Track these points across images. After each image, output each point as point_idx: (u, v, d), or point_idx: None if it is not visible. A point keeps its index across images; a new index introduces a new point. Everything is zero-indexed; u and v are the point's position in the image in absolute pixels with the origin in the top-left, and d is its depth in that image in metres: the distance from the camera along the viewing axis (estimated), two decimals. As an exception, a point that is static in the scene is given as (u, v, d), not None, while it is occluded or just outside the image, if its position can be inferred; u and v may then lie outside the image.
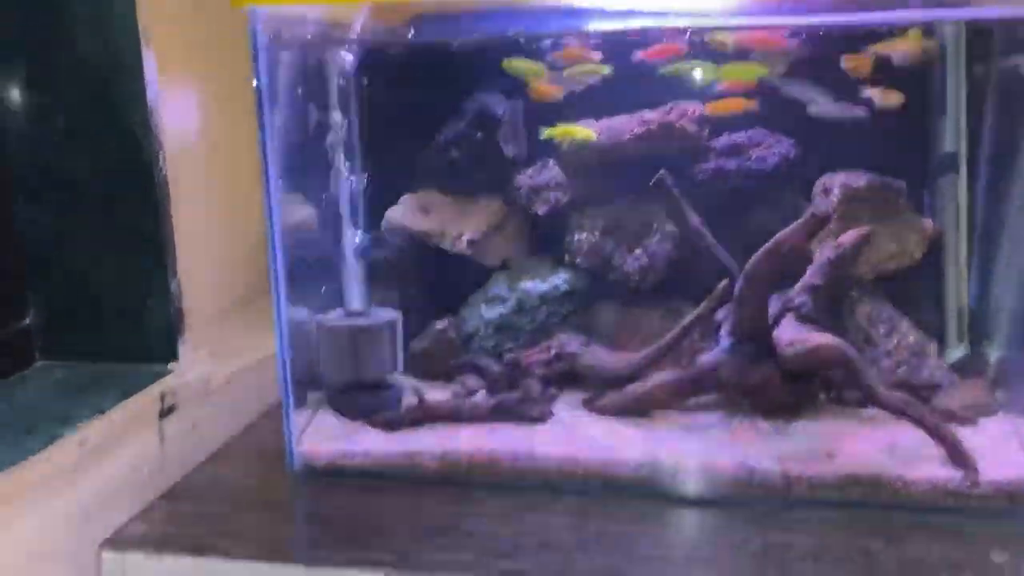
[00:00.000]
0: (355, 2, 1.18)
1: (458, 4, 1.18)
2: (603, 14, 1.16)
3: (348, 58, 1.34)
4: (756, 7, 1.20)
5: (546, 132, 1.38)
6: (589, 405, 1.33)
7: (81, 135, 1.30)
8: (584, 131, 1.38)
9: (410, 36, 1.28)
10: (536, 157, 1.49)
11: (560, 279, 1.45)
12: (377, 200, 1.51)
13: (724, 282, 1.25)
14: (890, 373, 1.30)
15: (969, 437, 1.20)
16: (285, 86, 1.28)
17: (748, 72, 1.29)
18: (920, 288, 1.39)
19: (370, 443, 1.27)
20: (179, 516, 1.18)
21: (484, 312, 1.46)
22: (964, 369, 1.33)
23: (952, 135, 1.34)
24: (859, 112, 1.28)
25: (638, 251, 1.40)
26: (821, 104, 1.29)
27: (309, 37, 1.30)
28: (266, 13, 1.16)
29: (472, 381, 1.39)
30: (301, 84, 1.31)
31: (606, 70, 1.33)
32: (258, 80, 1.17)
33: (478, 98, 1.46)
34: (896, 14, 1.16)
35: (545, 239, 1.51)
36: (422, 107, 1.48)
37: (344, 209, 1.32)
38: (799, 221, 1.15)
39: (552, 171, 1.47)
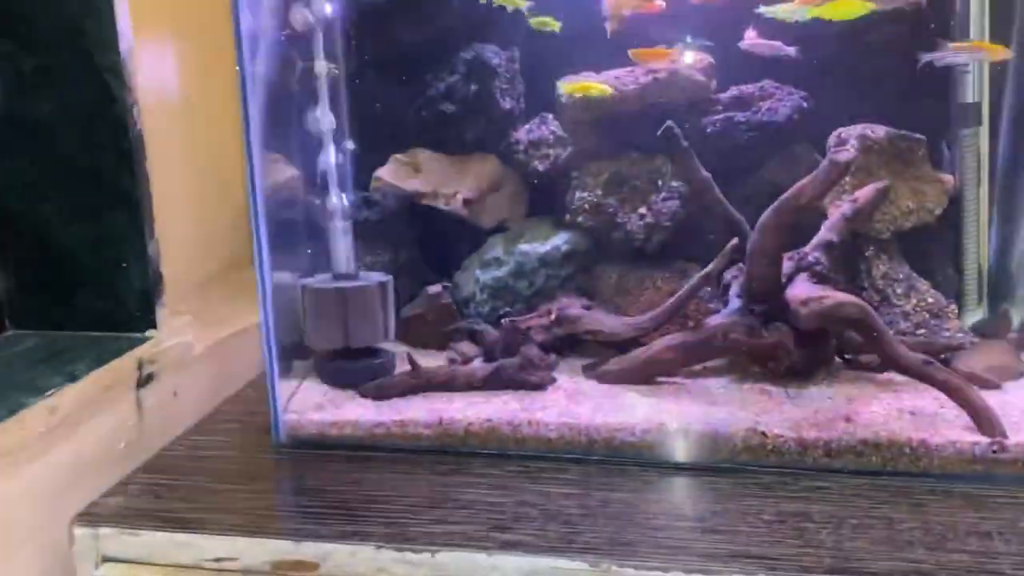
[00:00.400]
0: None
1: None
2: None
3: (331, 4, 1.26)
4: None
5: (564, 88, 1.31)
6: (590, 372, 1.26)
7: (51, 81, 1.22)
8: (600, 86, 1.31)
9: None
10: (534, 111, 1.42)
11: (561, 240, 1.38)
12: (366, 158, 1.43)
13: (734, 240, 1.19)
14: (909, 335, 1.23)
15: (994, 401, 1.14)
16: (267, 35, 1.20)
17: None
18: (939, 246, 1.32)
19: (360, 412, 1.20)
20: (157, 489, 1.11)
21: (480, 276, 1.39)
22: (987, 329, 1.27)
23: (975, 85, 1.27)
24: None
25: (643, 209, 1.32)
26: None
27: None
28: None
29: (468, 348, 1.33)
30: (283, 31, 1.23)
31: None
32: (237, 26, 1.09)
33: (472, 47, 1.38)
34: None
35: (544, 198, 1.44)
36: (413, 57, 1.40)
37: (330, 168, 1.24)
38: (818, 170, 1.08)
39: (551, 126, 1.40)
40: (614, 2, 1.26)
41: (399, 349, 1.37)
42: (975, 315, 1.33)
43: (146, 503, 1.07)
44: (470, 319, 1.35)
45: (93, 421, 1.14)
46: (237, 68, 1.10)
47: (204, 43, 1.43)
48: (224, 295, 1.55)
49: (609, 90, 1.30)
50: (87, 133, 1.23)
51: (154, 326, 1.29)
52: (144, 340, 1.27)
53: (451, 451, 1.16)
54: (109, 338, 1.28)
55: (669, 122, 1.19)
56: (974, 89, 1.27)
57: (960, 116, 1.29)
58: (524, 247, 1.38)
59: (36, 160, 1.24)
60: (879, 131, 1.27)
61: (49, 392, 1.07)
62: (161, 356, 1.28)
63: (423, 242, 1.45)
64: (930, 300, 1.25)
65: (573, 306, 1.30)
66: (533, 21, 1.29)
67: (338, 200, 1.26)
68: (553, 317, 1.29)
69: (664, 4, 1.25)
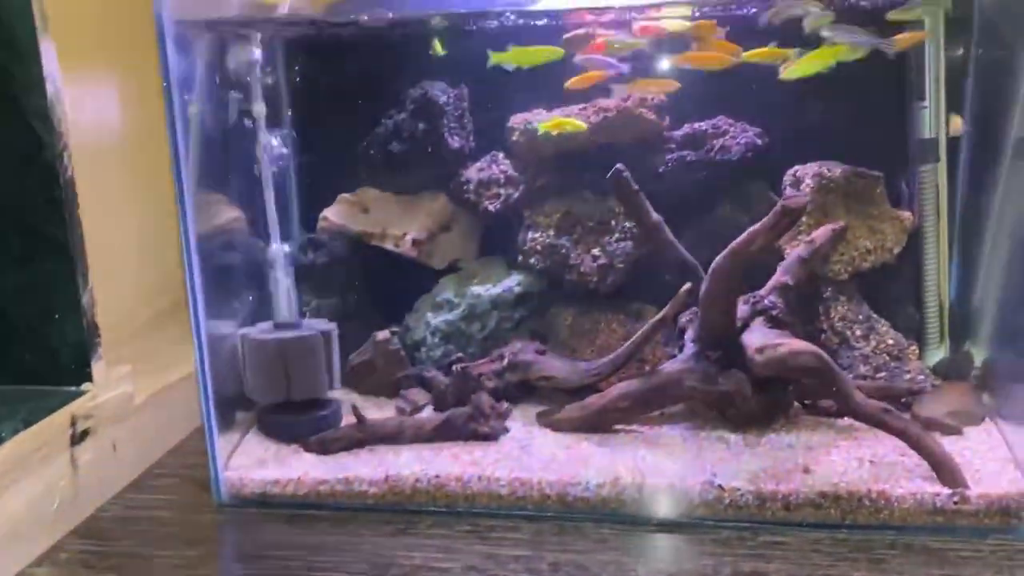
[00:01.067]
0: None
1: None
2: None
3: (274, 44, 1.22)
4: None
5: (541, 127, 1.27)
6: (544, 419, 1.22)
7: (-25, 131, 1.17)
8: (575, 122, 1.27)
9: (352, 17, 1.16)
10: (484, 150, 1.38)
11: (513, 282, 1.34)
12: (312, 199, 1.39)
13: (687, 284, 1.15)
14: (869, 379, 1.20)
15: (955, 447, 1.12)
16: (203, 76, 1.16)
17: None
18: (899, 285, 1.30)
19: (303, 469, 1.15)
20: (89, 558, 1.05)
21: (431, 319, 1.35)
22: (947, 371, 1.24)
23: (931, 121, 1.25)
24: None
25: (596, 250, 1.29)
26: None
27: (228, 21, 1.17)
28: (173, -8, 1.04)
29: (418, 395, 1.28)
30: (220, 74, 1.18)
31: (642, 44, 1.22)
32: (166, 71, 1.05)
33: (421, 85, 1.34)
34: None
35: (496, 238, 1.40)
36: (360, 96, 1.36)
37: (269, 210, 1.20)
38: (769, 216, 1.05)
39: (502, 165, 1.36)
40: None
41: (348, 397, 1.33)
42: (937, 353, 1.30)
43: (76, 573, 1.02)
44: (419, 366, 1.31)
45: (23, 483, 1.08)
46: (166, 112, 1.07)
47: (143, 80, 1.38)
48: (173, 335, 1.50)
49: (584, 125, 1.27)
50: (15, 180, 1.17)
51: (90, 379, 1.23)
52: (79, 394, 1.22)
53: (399, 509, 1.11)
54: (42, 393, 1.22)
55: (618, 165, 1.15)
56: (931, 125, 1.24)
57: (918, 152, 1.26)
58: (476, 289, 1.34)
59: (-36, 210, 1.18)
60: (835, 169, 1.25)
61: (-28, 459, 1.02)
62: (98, 410, 1.22)
63: (373, 284, 1.41)
64: (890, 342, 1.23)
65: (526, 351, 1.26)
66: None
67: (279, 247, 1.21)
68: (505, 363, 1.25)
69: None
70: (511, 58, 1.20)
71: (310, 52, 1.33)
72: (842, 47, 1.12)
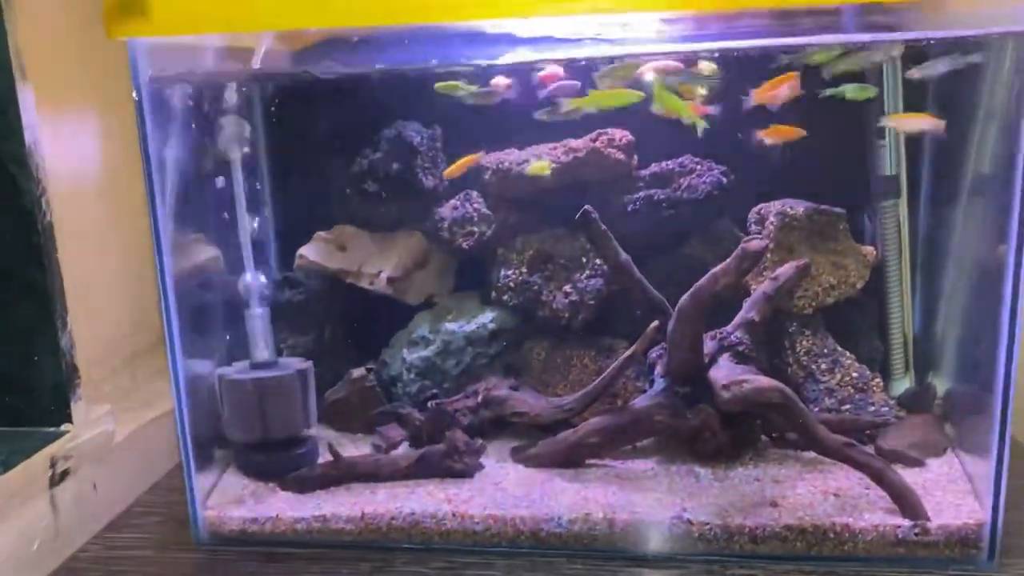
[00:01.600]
0: (227, 31, 1.08)
1: (357, 30, 1.08)
2: (515, 41, 1.08)
3: (250, 88, 1.24)
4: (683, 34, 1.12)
5: (528, 171, 1.30)
6: (518, 455, 1.24)
7: (-47, 178, 1.18)
8: (540, 164, 1.30)
9: (324, 64, 1.18)
10: (458, 188, 1.41)
11: (487, 318, 1.36)
12: (289, 237, 1.41)
13: (655, 322, 1.18)
14: (834, 411, 1.23)
15: (918, 479, 1.14)
16: (179, 120, 1.18)
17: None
18: (863, 318, 1.33)
19: (281, 506, 1.17)
20: (68, 599, 1.07)
21: (407, 355, 1.37)
22: (912, 402, 1.27)
23: (892, 158, 1.28)
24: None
25: (567, 287, 1.31)
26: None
27: (204, 67, 1.19)
28: (148, 44, 1.06)
29: (394, 432, 1.30)
30: (197, 118, 1.20)
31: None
32: (141, 118, 1.07)
33: (395, 125, 1.36)
34: (830, 37, 1.09)
35: (471, 274, 1.42)
36: (335, 136, 1.38)
37: (245, 251, 1.22)
38: (731, 257, 1.08)
39: (475, 203, 1.39)
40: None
41: (325, 434, 1.34)
42: (902, 383, 1.33)
43: (55, 617, 1.04)
44: (395, 403, 1.32)
45: (3, 526, 1.09)
46: (142, 159, 1.09)
47: (121, 122, 1.40)
48: (152, 372, 1.51)
49: (548, 168, 1.29)
50: (-6, 225, 1.19)
51: (70, 420, 1.25)
52: (59, 435, 1.23)
53: (375, 546, 1.13)
54: (22, 434, 1.23)
55: (587, 206, 1.18)
56: (891, 162, 1.28)
57: (880, 189, 1.30)
58: (450, 326, 1.36)
59: (-62, 259, 1.19)
60: (798, 207, 1.28)
61: (-50, 505, 1.03)
62: (77, 450, 1.23)
63: (350, 320, 1.43)
64: (854, 375, 1.25)
65: (500, 387, 1.28)
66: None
67: (255, 287, 1.23)
68: (480, 399, 1.27)
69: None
70: (590, 102, 1.21)
71: (286, 94, 1.35)
72: None
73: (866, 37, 1.07)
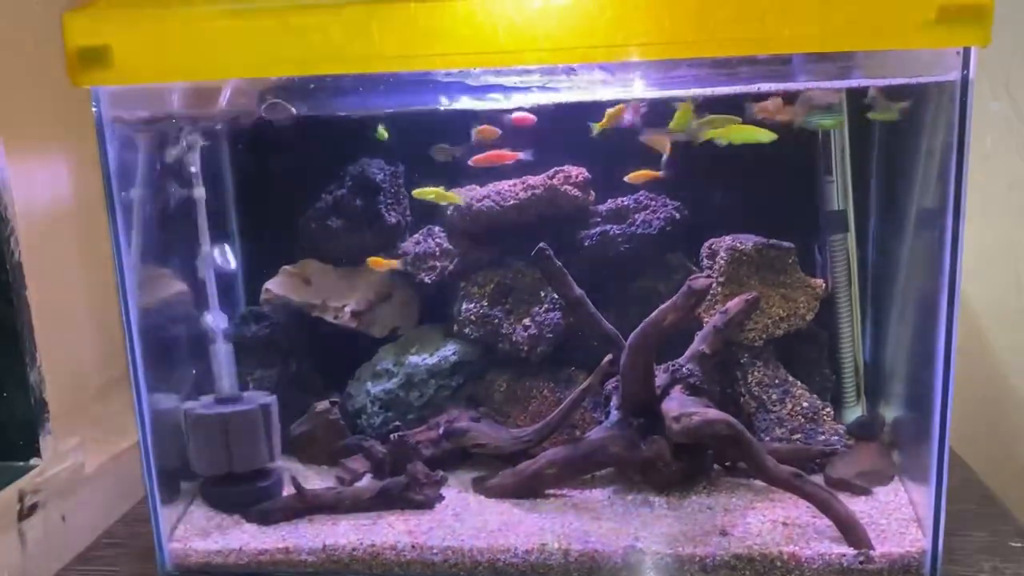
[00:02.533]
0: (188, 80, 1.12)
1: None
2: (467, 89, 1.12)
3: (215, 128, 1.27)
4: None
5: (415, 193, 1.34)
6: (479, 486, 1.27)
7: (-78, 217, 1.21)
8: (452, 195, 1.35)
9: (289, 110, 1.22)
10: (420, 224, 1.44)
11: (449, 351, 1.39)
12: (256, 272, 1.44)
13: (608, 356, 1.21)
14: (785, 441, 1.26)
15: (864, 508, 1.18)
16: (144, 161, 1.21)
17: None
18: (815, 348, 1.36)
19: (245, 538, 1.19)
20: (32, 635, 1.09)
21: (371, 387, 1.40)
22: (860, 431, 1.30)
23: (839, 194, 1.32)
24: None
25: (527, 320, 1.34)
26: None
27: (168, 107, 1.23)
28: (112, 92, 1.09)
29: (357, 464, 1.32)
30: (160, 159, 1.23)
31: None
32: (104, 161, 1.10)
33: (359, 162, 1.40)
34: (778, 84, 1.14)
35: (434, 307, 1.45)
36: (300, 173, 1.41)
37: (210, 287, 1.25)
38: (677, 295, 1.11)
39: (437, 238, 1.42)
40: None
41: (291, 465, 1.37)
42: (855, 411, 1.37)
43: (18, 653, 1.06)
44: (358, 436, 1.35)
45: (-32, 563, 1.12)
46: (106, 200, 1.12)
47: (87, 160, 1.42)
48: (122, 403, 1.52)
49: (460, 199, 1.35)
50: (-38, 269, 1.21)
51: (39, 454, 1.27)
52: (28, 469, 1.25)
53: (337, 577, 1.16)
54: (-10, 468, 1.26)
55: (542, 244, 1.21)
56: (838, 198, 1.32)
57: (828, 223, 1.34)
58: (413, 359, 1.38)
59: (-89, 291, 1.22)
60: (747, 242, 1.31)
61: (-84, 542, 1.05)
62: (46, 484, 1.25)
63: (315, 352, 1.45)
64: (805, 404, 1.29)
65: (461, 418, 1.31)
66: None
67: (219, 324, 1.26)
68: (441, 431, 1.30)
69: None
70: (723, 134, 1.24)
71: (251, 133, 1.38)
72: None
73: (810, 84, 1.11)
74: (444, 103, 1.18)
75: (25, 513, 1.22)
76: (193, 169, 1.23)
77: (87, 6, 1.06)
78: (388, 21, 0.98)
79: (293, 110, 1.19)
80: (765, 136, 1.21)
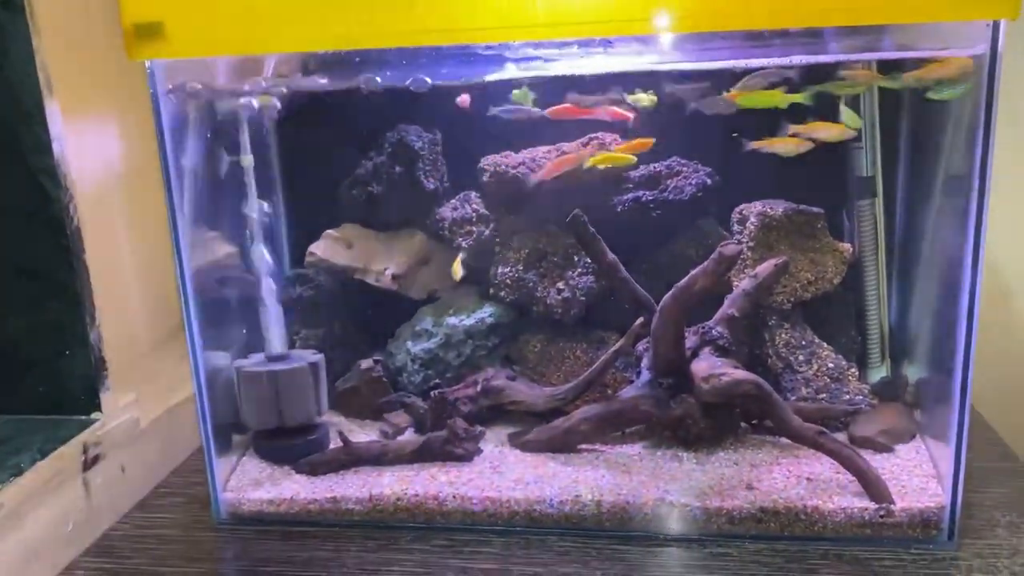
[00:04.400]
0: (238, 53, 1.16)
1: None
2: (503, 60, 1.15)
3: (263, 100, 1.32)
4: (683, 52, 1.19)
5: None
6: (515, 441, 1.33)
7: (-12, 185, 1.28)
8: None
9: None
10: (458, 190, 1.49)
11: (486, 312, 1.44)
12: (302, 234, 1.50)
13: (640, 319, 1.25)
14: (810, 400, 1.31)
15: (886, 464, 1.22)
16: (195, 129, 1.26)
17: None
18: (842, 310, 1.40)
19: (295, 489, 1.26)
20: (103, 574, 1.17)
21: (411, 347, 1.45)
22: (884, 391, 1.35)
23: (868, 160, 1.35)
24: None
25: (560, 284, 1.39)
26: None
27: (217, 84, 1.28)
28: (166, 65, 1.14)
29: (401, 419, 1.39)
30: (212, 127, 1.29)
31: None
32: (160, 133, 1.16)
33: (397, 129, 1.44)
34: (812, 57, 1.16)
35: (471, 270, 1.49)
36: (342, 140, 1.46)
37: (260, 258, 1.31)
38: (708, 261, 1.15)
39: (474, 204, 1.46)
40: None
41: (337, 420, 1.44)
42: (879, 372, 1.41)
43: (90, 590, 1.14)
44: (400, 392, 1.41)
45: (40, 509, 1.20)
46: (161, 166, 1.17)
47: (142, 125, 1.48)
48: (174, 358, 1.60)
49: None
50: (26, 231, 1.27)
51: (99, 408, 1.34)
52: (90, 422, 1.33)
53: (382, 525, 1.23)
54: (56, 422, 1.33)
55: (576, 211, 1.25)
56: (867, 164, 1.34)
57: (857, 189, 1.36)
58: (451, 320, 1.44)
59: (-25, 260, 1.29)
60: (777, 207, 1.34)
61: (-7, 489, 1.13)
62: (107, 437, 1.33)
63: (358, 313, 1.51)
64: (830, 365, 1.33)
65: (498, 377, 1.36)
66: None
67: (268, 286, 1.32)
68: (479, 388, 1.35)
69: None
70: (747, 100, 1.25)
71: (296, 103, 1.42)
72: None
73: (840, 57, 1.13)
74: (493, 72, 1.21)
75: (89, 464, 1.30)
76: (241, 137, 1.28)
77: (141, -18, 1.10)
78: (431, -4, 1.02)
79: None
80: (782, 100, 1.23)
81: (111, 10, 1.10)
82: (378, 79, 1.22)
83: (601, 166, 1.35)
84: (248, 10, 1.06)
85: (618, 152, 1.34)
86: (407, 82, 1.22)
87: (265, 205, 1.32)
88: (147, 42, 1.09)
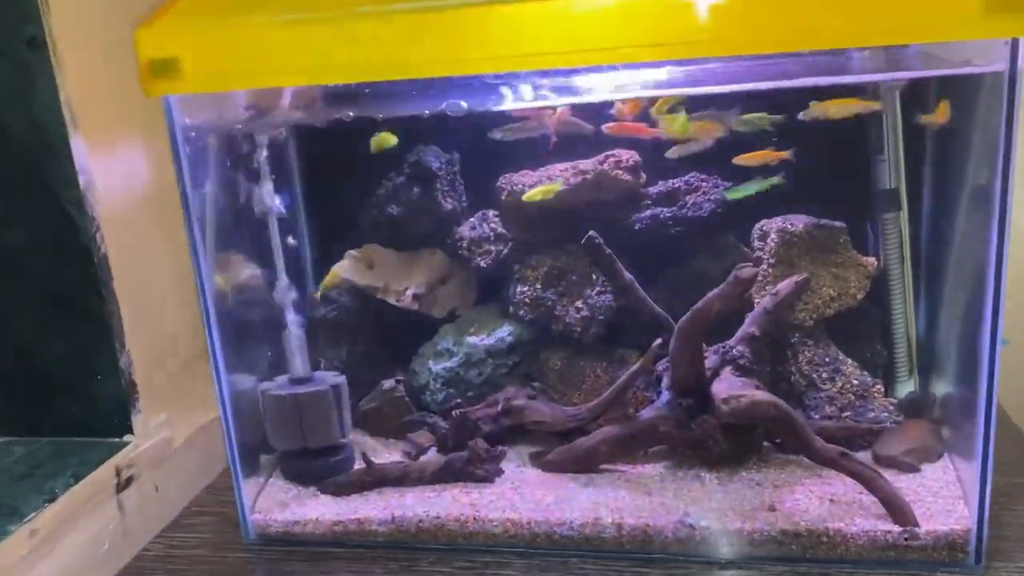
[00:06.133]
0: (253, 87, 1.18)
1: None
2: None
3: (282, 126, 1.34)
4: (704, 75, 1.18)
5: (526, 196, 1.36)
6: (537, 461, 1.34)
7: (18, 218, 1.31)
8: (551, 186, 1.36)
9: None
10: (475, 209, 1.49)
11: (505, 331, 1.45)
12: (325, 256, 1.52)
13: (658, 340, 1.25)
14: (834, 417, 1.29)
15: (911, 484, 1.20)
16: (216, 158, 1.28)
17: None
18: (867, 325, 1.37)
19: (321, 510, 1.28)
20: (133, 596, 1.21)
21: (433, 366, 1.46)
22: (911, 408, 1.32)
23: (892, 173, 1.32)
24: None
25: (579, 303, 1.39)
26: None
27: (235, 114, 1.30)
28: (181, 99, 1.16)
29: (424, 438, 1.40)
30: (231, 156, 1.31)
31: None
32: (178, 164, 1.18)
33: (416, 151, 1.45)
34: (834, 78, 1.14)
35: (491, 288, 1.51)
36: (362, 162, 1.47)
37: (283, 285, 1.33)
38: (724, 284, 1.14)
39: (492, 223, 1.46)
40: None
41: (361, 439, 1.46)
42: (907, 386, 1.38)
43: (122, 613, 1.17)
44: (422, 412, 1.42)
45: (76, 531, 1.23)
46: (180, 196, 1.20)
47: (164, 153, 1.51)
48: (203, 378, 1.61)
49: (557, 185, 1.35)
50: (56, 260, 1.31)
51: (131, 431, 1.38)
52: (122, 445, 1.36)
53: (404, 547, 1.24)
54: (89, 444, 1.37)
55: (591, 232, 1.25)
56: (890, 176, 1.31)
57: (881, 201, 1.34)
58: (471, 339, 1.45)
59: (10, 290, 1.33)
60: (798, 223, 1.32)
61: (29, 516, 1.17)
62: (139, 458, 1.36)
63: (380, 332, 1.53)
64: (855, 382, 1.30)
65: (519, 396, 1.37)
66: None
67: (291, 311, 1.34)
68: (500, 408, 1.36)
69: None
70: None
71: (316, 129, 1.44)
72: None
73: (864, 77, 1.11)
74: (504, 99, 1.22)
75: (122, 485, 1.34)
76: (262, 165, 1.30)
77: (156, 20, 1.12)
78: (438, 28, 1.02)
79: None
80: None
81: (132, 44, 1.12)
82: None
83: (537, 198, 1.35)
84: (260, 43, 1.07)
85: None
86: (442, 106, 1.23)
87: (289, 238, 1.35)
88: (162, 78, 1.11)
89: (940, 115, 1.20)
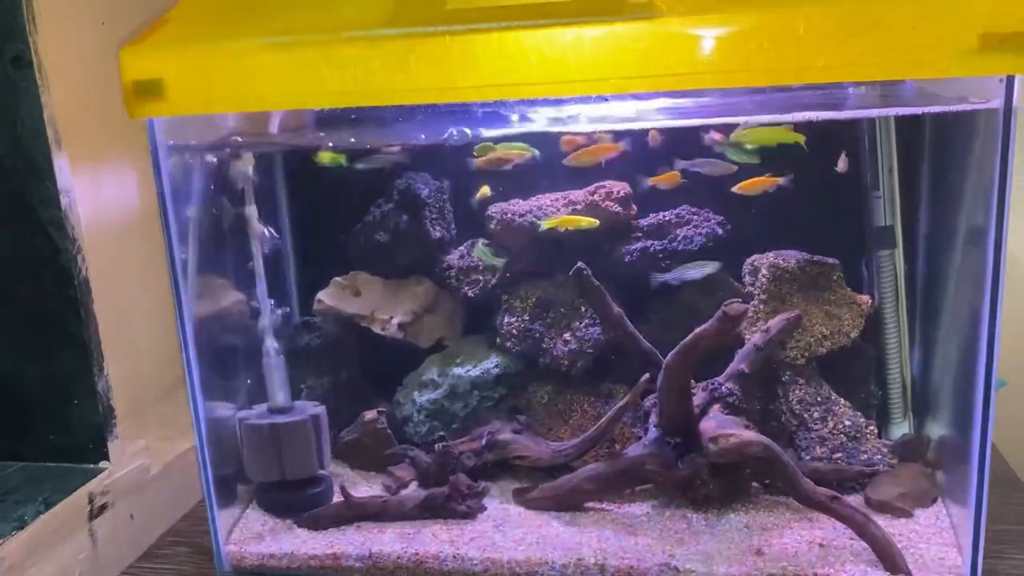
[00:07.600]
0: (237, 111, 1.16)
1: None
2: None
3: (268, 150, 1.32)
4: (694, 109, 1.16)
5: (545, 224, 1.33)
6: (520, 498, 1.30)
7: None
8: (588, 219, 1.32)
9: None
10: (464, 237, 1.47)
11: (491, 363, 1.42)
12: (310, 282, 1.49)
13: (645, 375, 1.22)
14: (825, 459, 1.26)
15: (904, 530, 1.17)
16: (200, 181, 1.27)
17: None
18: (861, 365, 1.34)
19: (297, 543, 1.25)
20: (101, 631, 1.17)
21: (417, 397, 1.44)
22: (904, 450, 1.29)
23: (887, 210, 1.30)
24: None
25: (567, 335, 1.36)
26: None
27: (221, 132, 1.28)
28: (166, 122, 1.14)
29: (405, 472, 1.37)
30: (216, 180, 1.29)
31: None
32: (159, 185, 1.16)
33: (405, 177, 1.43)
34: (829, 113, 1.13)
35: (479, 318, 1.48)
36: (350, 188, 1.45)
37: (264, 311, 1.30)
38: (712, 320, 1.12)
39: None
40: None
41: (342, 471, 1.42)
42: (902, 427, 1.35)
43: (88, 648, 1.13)
44: (404, 445, 1.39)
45: (44, 563, 1.20)
46: (161, 219, 1.18)
47: (148, 175, 1.49)
48: (183, 404, 1.60)
49: (596, 222, 1.31)
50: (36, 281, 1.29)
51: (107, 457, 1.35)
52: (98, 471, 1.33)
53: (382, 584, 1.21)
54: (64, 470, 1.34)
55: (580, 264, 1.23)
56: (885, 214, 1.29)
57: (876, 239, 1.31)
58: (457, 370, 1.42)
59: (-11, 306, 1.31)
60: (790, 259, 1.30)
61: (-2, 542, 1.13)
62: (114, 485, 1.33)
63: (365, 361, 1.50)
64: (847, 423, 1.27)
65: (504, 431, 1.34)
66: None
67: (271, 341, 1.31)
68: (484, 442, 1.33)
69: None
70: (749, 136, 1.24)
71: (302, 155, 1.42)
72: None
73: (859, 113, 1.09)
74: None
75: (95, 513, 1.31)
76: (245, 188, 1.28)
77: (141, 41, 1.10)
78: (425, 54, 1.00)
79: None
80: (791, 137, 1.20)
81: (117, 64, 1.10)
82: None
83: (562, 228, 1.32)
84: (245, 67, 1.06)
85: None
86: (445, 135, 1.22)
87: (268, 238, 1.32)
88: (147, 100, 1.09)
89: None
